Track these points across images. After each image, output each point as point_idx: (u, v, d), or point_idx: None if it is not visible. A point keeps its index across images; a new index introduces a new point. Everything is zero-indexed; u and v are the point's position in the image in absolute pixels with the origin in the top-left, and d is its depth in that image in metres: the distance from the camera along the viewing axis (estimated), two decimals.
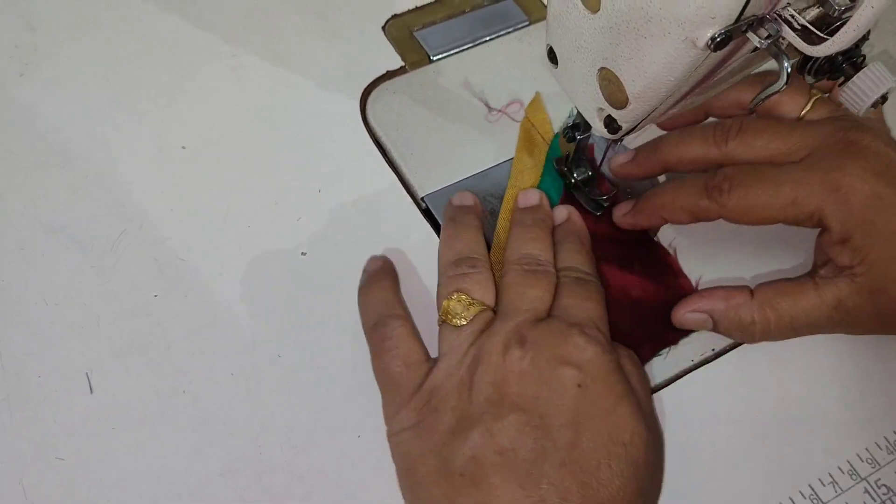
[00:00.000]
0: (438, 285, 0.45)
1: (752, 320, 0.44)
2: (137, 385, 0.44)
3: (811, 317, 0.43)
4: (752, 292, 0.45)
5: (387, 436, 0.42)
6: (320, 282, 0.48)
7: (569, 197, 0.52)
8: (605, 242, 0.50)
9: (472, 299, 0.43)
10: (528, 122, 0.55)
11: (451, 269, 0.45)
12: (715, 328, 0.46)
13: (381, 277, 0.47)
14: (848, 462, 0.44)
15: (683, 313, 0.46)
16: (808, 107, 0.45)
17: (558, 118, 0.55)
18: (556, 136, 0.54)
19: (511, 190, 0.52)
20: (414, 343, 0.43)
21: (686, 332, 0.48)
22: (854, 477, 0.44)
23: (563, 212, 0.49)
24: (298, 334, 0.46)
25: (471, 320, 0.42)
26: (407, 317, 0.45)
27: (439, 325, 0.44)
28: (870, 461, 0.44)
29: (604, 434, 0.38)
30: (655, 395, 0.46)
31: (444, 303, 0.43)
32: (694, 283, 0.50)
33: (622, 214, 0.49)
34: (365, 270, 0.48)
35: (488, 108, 0.55)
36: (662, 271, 0.50)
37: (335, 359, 0.46)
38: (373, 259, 0.49)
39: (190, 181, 0.51)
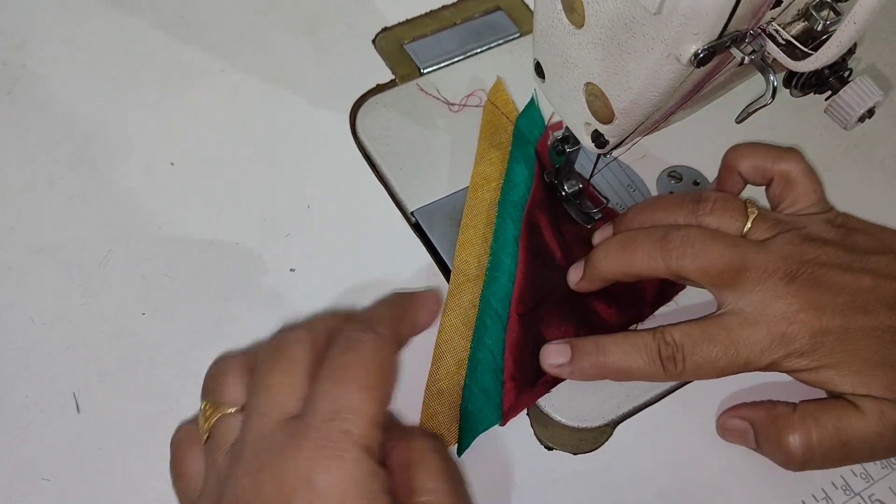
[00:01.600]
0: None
1: (792, 433, 0.41)
2: (125, 405, 0.44)
3: (859, 434, 0.40)
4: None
5: None
6: (309, 298, 0.48)
7: (542, 179, 0.52)
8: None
9: (215, 404, 0.37)
10: (490, 105, 0.55)
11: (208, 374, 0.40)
12: (756, 443, 0.43)
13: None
14: (841, 477, 0.44)
15: (727, 419, 0.44)
16: (749, 225, 0.44)
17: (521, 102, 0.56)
18: (524, 109, 0.55)
19: (475, 177, 0.52)
20: (191, 451, 0.38)
21: (657, 306, 0.48)
22: (847, 492, 0.44)
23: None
24: None
25: (211, 433, 0.36)
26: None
27: None
28: (863, 476, 0.44)
29: None
30: (648, 410, 0.46)
31: (198, 418, 0.38)
32: None
33: (575, 283, 0.47)
34: None
35: (448, 104, 0.55)
36: None
37: None
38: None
39: (178, 198, 0.51)
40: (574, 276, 0.47)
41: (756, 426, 0.43)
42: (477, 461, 0.43)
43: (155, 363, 0.45)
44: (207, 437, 0.37)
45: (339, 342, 0.36)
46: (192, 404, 0.44)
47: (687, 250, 0.43)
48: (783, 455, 0.41)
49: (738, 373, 0.42)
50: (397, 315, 0.42)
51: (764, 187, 0.48)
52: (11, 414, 0.44)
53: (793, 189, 0.46)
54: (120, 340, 0.46)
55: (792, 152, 0.46)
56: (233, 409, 0.37)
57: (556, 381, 0.45)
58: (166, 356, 0.46)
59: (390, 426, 0.37)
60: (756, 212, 0.44)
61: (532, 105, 0.55)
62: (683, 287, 0.49)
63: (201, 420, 0.37)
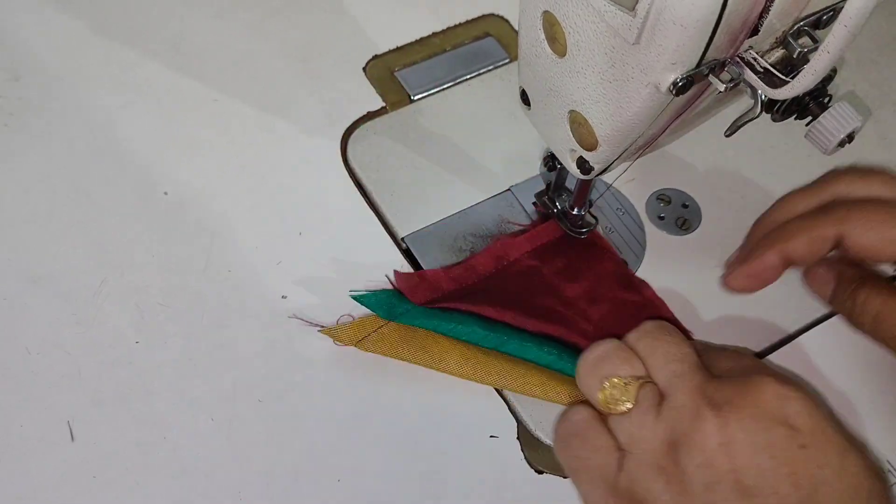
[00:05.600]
0: (581, 382, 0.42)
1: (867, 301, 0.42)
2: (119, 434, 0.45)
3: None
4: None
5: None
6: (301, 324, 0.48)
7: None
8: (586, 275, 0.51)
9: (624, 378, 0.40)
10: (362, 343, 0.47)
11: (586, 363, 0.42)
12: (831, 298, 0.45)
13: None
14: None
15: (817, 268, 0.45)
16: None
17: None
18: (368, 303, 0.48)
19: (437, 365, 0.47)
20: (602, 427, 0.40)
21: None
22: None
23: None
24: (279, 379, 0.46)
25: (637, 400, 0.39)
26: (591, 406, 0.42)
27: (608, 419, 0.41)
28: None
29: (844, 498, 0.35)
30: None
31: (599, 395, 0.40)
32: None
33: (729, 272, 0.46)
34: None
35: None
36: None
37: (316, 403, 0.46)
38: None
39: (171, 227, 0.51)
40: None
41: (839, 280, 0.44)
42: (466, 484, 0.44)
43: (149, 391, 0.46)
44: (627, 408, 0.39)
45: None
46: (186, 432, 0.45)
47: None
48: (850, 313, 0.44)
49: None
50: None
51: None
52: (6, 443, 0.44)
53: None
54: (114, 369, 0.46)
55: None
56: (647, 379, 0.40)
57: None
58: (160, 385, 0.46)
59: None
60: None
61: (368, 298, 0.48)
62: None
63: (611, 393, 0.40)
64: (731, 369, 0.40)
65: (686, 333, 0.49)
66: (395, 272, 0.49)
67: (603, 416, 0.41)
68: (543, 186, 0.54)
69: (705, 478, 0.36)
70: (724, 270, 0.47)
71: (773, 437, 0.36)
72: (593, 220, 0.52)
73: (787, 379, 0.38)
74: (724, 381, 0.38)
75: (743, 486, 0.35)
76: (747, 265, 0.44)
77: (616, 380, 0.40)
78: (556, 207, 0.52)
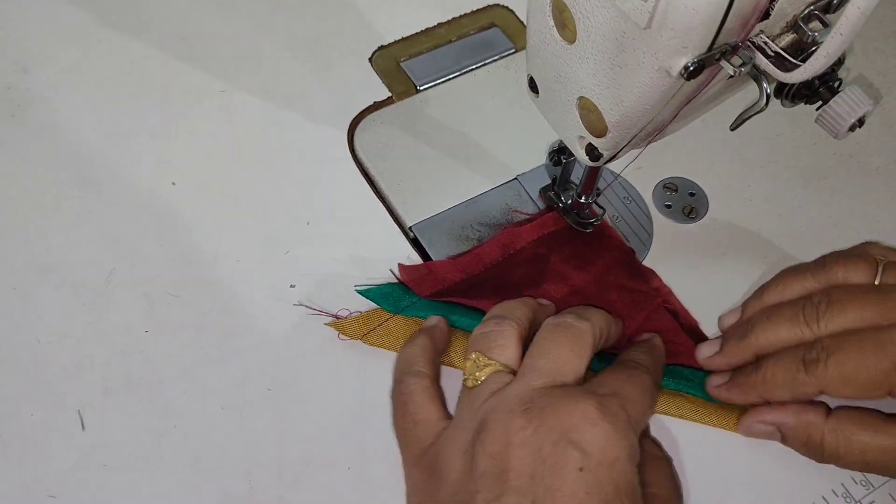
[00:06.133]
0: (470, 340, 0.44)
1: (822, 441, 0.41)
2: (129, 422, 0.45)
3: (888, 457, 0.40)
4: (827, 411, 0.42)
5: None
6: (310, 313, 0.48)
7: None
8: (594, 263, 0.51)
9: (489, 359, 0.41)
10: (368, 338, 0.47)
11: (478, 328, 0.43)
12: (783, 441, 0.43)
13: (419, 335, 0.46)
14: (842, 485, 0.44)
15: (751, 423, 0.44)
16: (879, 275, 0.43)
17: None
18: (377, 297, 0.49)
19: None
20: (427, 401, 0.42)
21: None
22: (848, 499, 0.44)
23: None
24: (288, 367, 0.46)
25: (482, 381, 0.40)
26: (428, 374, 0.43)
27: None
28: (864, 483, 0.44)
29: None
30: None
31: (465, 362, 0.42)
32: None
33: (715, 386, 0.45)
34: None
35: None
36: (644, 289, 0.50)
37: (325, 391, 0.46)
38: (429, 318, 0.47)
39: (180, 217, 0.51)
40: (707, 351, 0.46)
41: (784, 431, 0.43)
42: None
43: (159, 380, 0.46)
44: (474, 384, 0.41)
45: (630, 358, 0.43)
46: (196, 420, 0.45)
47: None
48: (810, 455, 0.43)
49: (886, 383, 0.39)
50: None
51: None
52: (17, 432, 0.44)
53: None
54: (124, 358, 0.46)
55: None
56: (505, 369, 0.41)
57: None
58: (170, 373, 0.46)
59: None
60: (884, 259, 0.43)
61: (374, 293, 0.49)
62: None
63: (471, 367, 0.41)
64: (599, 383, 0.40)
65: (692, 323, 0.49)
66: (400, 265, 0.49)
67: (434, 384, 0.43)
68: (549, 176, 0.54)
69: (484, 467, 0.37)
70: (704, 353, 0.46)
71: (556, 451, 0.36)
72: (600, 211, 0.52)
73: (613, 411, 0.37)
74: (553, 391, 0.38)
75: (508, 486, 0.36)
76: (729, 391, 0.44)
77: (482, 358, 0.41)
78: (562, 202, 0.52)
